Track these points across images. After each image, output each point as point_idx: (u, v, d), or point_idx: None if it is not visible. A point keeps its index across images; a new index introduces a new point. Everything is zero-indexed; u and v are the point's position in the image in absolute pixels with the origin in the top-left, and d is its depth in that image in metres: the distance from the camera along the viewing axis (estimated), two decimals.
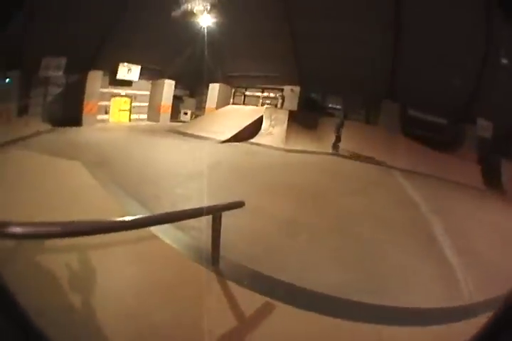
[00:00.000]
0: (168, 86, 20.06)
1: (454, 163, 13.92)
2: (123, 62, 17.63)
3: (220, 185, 7.81)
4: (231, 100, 20.74)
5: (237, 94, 20.78)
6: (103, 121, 17.36)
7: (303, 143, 14.74)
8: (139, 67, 18.32)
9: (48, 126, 13.78)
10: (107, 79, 17.42)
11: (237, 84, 20.72)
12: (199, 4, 17.86)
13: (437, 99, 15.25)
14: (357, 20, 15.42)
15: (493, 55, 14.85)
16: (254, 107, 18.42)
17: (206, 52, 18.45)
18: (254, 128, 15.62)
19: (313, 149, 14.33)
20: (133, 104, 19.33)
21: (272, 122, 15.65)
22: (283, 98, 18.52)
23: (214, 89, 20.49)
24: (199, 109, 21.27)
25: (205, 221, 3.91)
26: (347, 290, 4.04)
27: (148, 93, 20.05)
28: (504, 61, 14.96)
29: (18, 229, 2.01)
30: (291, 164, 11.94)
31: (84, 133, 14.17)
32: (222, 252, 3.98)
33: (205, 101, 20.89)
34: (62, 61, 14.70)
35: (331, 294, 3.89)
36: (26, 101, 14.10)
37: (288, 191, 8.25)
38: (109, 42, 16.15)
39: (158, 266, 3.92)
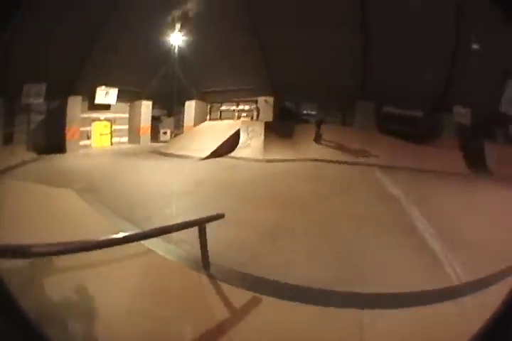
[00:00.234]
0: (146, 107, 20.06)
1: (434, 153, 14.24)
2: (100, 85, 17.67)
3: (206, 202, 8.14)
4: (208, 116, 20.76)
5: (213, 109, 20.80)
6: (86, 146, 17.42)
7: (281, 152, 15.06)
8: (116, 89, 18.35)
9: (34, 155, 13.93)
10: (86, 104, 17.46)
11: (212, 100, 20.74)
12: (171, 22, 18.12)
13: (410, 93, 15.44)
14: (323, 27, 15.55)
15: (464, 42, 14.93)
16: (231, 121, 18.57)
17: (179, 71, 18.83)
18: (232, 142, 15.87)
19: (292, 157, 14.66)
20: (113, 128, 19.33)
21: (249, 135, 15.94)
22: (258, 110, 18.69)
23: (190, 106, 20.57)
24: (178, 128, 21.27)
25: (194, 234, 4.39)
26: (328, 282, 4.42)
27: (127, 115, 20.01)
28: (475, 47, 14.90)
29: (41, 249, 2.58)
30: (271, 174, 12.26)
31: (70, 160, 14.38)
32: (213, 261, 4.45)
33: (183, 120, 20.89)
34: (43, 87, 14.80)
35: (312, 287, 4.28)
36: (11, 129, 14.18)
37: (270, 201, 8.52)
38: (85, 64, 16.22)
39: (157, 273, 4.45)
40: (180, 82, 19.53)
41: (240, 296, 3.87)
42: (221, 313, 3.55)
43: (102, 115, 18.65)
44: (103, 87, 17.86)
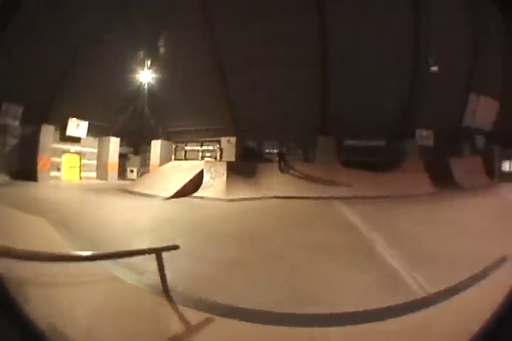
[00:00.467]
0: (114, 143, 20.47)
1: (399, 178, 14.90)
2: (72, 117, 18.06)
3: (169, 239, 8.44)
4: (173, 156, 21.21)
5: (178, 149, 21.33)
6: (56, 178, 17.57)
7: (243, 191, 15.52)
8: (87, 122, 18.74)
9: (6, 178, 14.23)
10: (58, 134, 17.84)
11: (177, 140, 21.32)
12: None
13: (370, 124, 16.01)
14: (284, 65, 16.43)
15: (422, 64, 15.76)
16: (195, 162, 18.90)
17: (147, 109, 19.47)
18: (197, 182, 16.27)
19: (254, 195, 15.12)
20: (83, 162, 19.59)
21: (212, 174, 16.32)
22: (221, 150, 19.41)
23: (156, 145, 21.01)
24: (144, 166, 21.57)
25: (154, 265, 4.71)
26: (280, 305, 4.67)
27: (95, 151, 20.27)
28: (434, 68, 15.70)
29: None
30: (232, 213, 12.69)
31: (42, 190, 14.61)
32: (172, 287, 4.76)
33: (149, 158, 21.20)
34: (19, 110, 15.12)
35: (265, 309, 4.52)
36: None
37: (230, 237, 8.78)
38: (59, 95, 16.70)
39: (120, 297, 4.80)
40: (148, 120, 20.08)
41: (195, 317, 4.14)
42: (176, 331, 3.84)
43: (73, 147, 19.03)
44: (74, 119, 18.26)
